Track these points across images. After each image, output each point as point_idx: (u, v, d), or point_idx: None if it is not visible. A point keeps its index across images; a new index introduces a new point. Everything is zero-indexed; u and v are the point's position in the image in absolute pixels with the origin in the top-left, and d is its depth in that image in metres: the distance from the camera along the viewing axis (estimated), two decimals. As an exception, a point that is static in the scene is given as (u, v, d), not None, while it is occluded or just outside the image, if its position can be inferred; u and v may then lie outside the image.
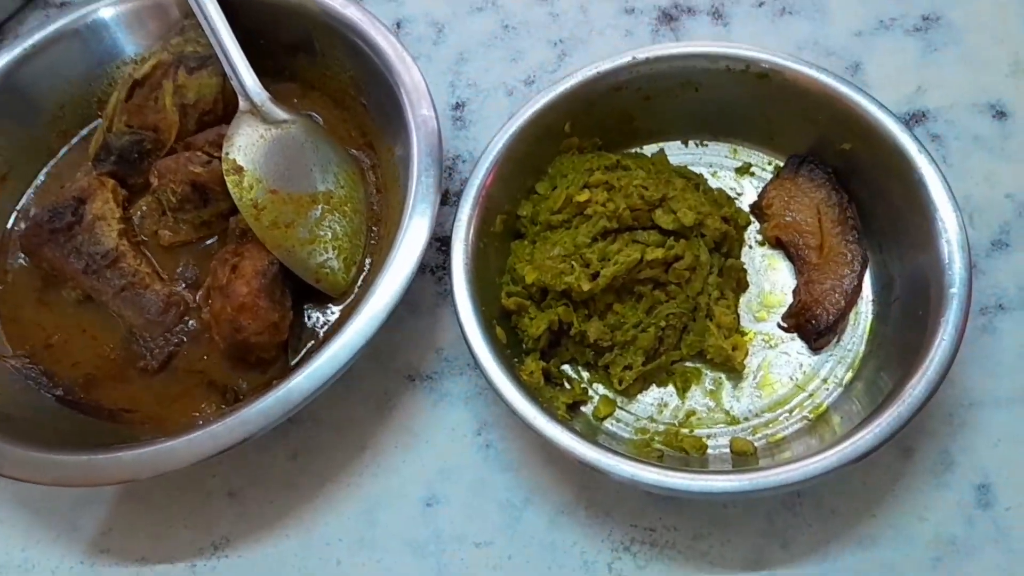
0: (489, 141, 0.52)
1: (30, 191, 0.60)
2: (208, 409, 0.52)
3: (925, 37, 0.62)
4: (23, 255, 0.57)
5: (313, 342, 0.53)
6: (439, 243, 0.57)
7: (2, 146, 0.58)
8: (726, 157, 0.57)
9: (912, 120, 0.59)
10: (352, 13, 0.57)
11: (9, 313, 0.56)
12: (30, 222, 0.57)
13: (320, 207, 0.54)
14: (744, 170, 0.57)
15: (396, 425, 0.52)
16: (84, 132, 0.62)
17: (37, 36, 0.58)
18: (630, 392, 0.50)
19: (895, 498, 0.47)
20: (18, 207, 0.60)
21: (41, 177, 0.61)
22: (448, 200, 0.58)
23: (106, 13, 0.60)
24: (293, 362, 0.52)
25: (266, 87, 0.58)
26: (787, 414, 0.49)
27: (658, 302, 0.50)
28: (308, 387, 0.46)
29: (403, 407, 0.53)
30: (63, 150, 0.62)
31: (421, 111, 0.53)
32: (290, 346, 0.53)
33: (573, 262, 0.50)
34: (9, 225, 0.59)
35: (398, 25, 0.67)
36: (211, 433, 0.45)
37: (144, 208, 0.58)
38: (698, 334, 0.50)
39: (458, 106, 0.63)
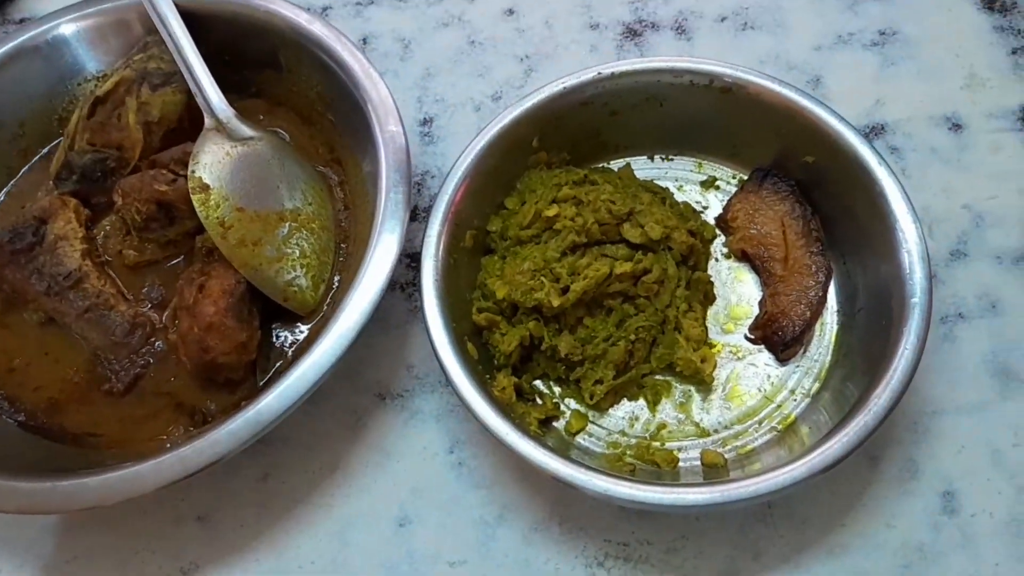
0: (458, 156, 0.52)
1: (-11, 212, 0.59)
2: (176, 431, 0.51)
3: (882, 51, 0.63)
4: (-18, 277, 0.56)
5: (282, 362, 0.53)
6: (408, 259, 0.57)
7: (-40, 165, 0.57)
8: (691, 171, 0.58)
9: (871, 133, 0.60)
10: (318, 29, 0.57)
11: (-32, 337, 0.55)
12: (-10, 243, 0.56)
13: (288, 225, 0.54)
14: (709, 184, 0.57)
15: (367, 444, 0.52)
16: (44, 151, 0.61)
17: (-5, 53, 0.58)
18: (601, 406, 0.51)
19: (863, 507, 0.48)
20: (-24, 229, 0.59)
21: (2, 196, 0.60)
22: (417, 216, 0.58)
23: (67, 29, 0.59)
24: (262, 382, 0.52)
25: (232, 103, 0.57)
26: (756, 425, 0.50)
27: (627, 315, 0.51)
28: (278, 407, 0.46)
29: (374, 426, 0.52)
30: (23, 169, 0.61)
31: (389, 127, 0.53)
32: (259, 366, 0.52)
33: (543, 277, 0.50)
34: (-33, 246, 0.58)
35: (364, 41, 0.66)
36: (179, 456, 0.45)
37: (108, 227, 0.58)
38: (667, 347, 0.51)
39: (426, 122, 0.63)
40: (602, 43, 0.65)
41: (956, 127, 0.59)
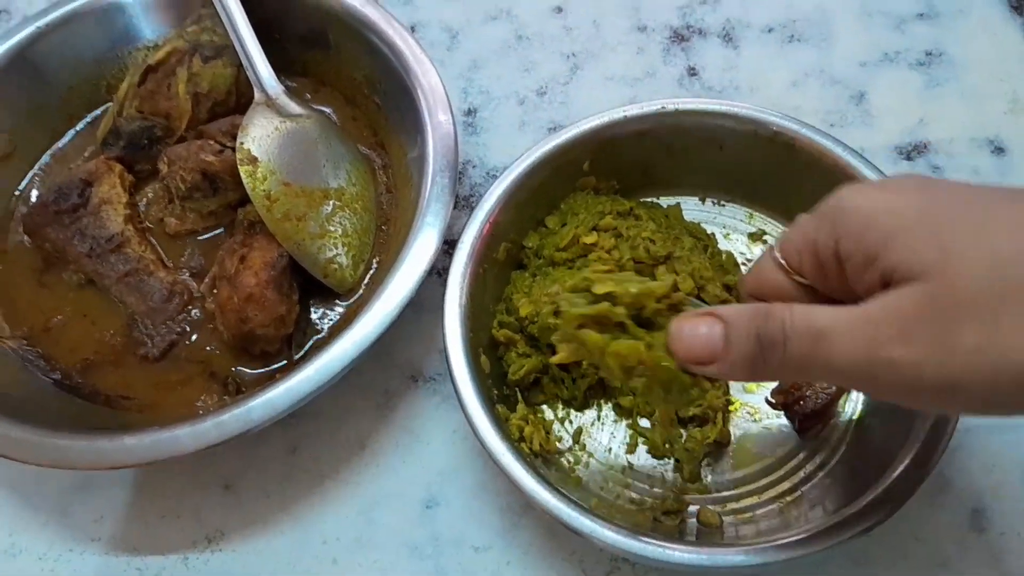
0: (505, 168, 0.52)
1: (33, 171, 0.60)
2: (208, 400, 0.51)
3: (928, 72, 0.63)
4: (24, 235, 0.56)
5: (316, 338, 0.53)
6: (447, 245, 0.57)
7: (9, 123, 0.58)
8: (741, 220, 0.56)
9: (914, 151, 0.60)
10: (370, 12, 0.58)
11: (7, 294, 0.55)
12: (36, 201, 0.56)
13: (331, 203, 0.54)
14: (757, 236, 0.56)
15: (397, 425, 0.52)
16: (90, 117, 0.62)
17: (53, 14, 0.58)
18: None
19: (891, 517, 0.48)
20: (20, 187, 0.59)
21: (46, 158, 0.60)
22: (457, 204, 0.59)
23: (126, -5, 0.60)
24: (296, 356, 0.52)
25: (279, 81, 0.58)
26: (759, 493, 0.48)
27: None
28: (315, 381, 0.46)
29: (405, 407, 0.52)
30: (69, 133, 0.61)
31: (438, 115, 0.54)
32: (294, 340, 0.52)
33: None
34: (10, 205, 0.58)
35: (412, 29, 0.67)
36: (216, 422, 0.45)
37: (150, 195, 0.58)
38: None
39: (470, 112, 0.63)
40: (649, 45, 0.65)
41: (999, 151, 0.60)
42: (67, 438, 0.45)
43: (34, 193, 0.59)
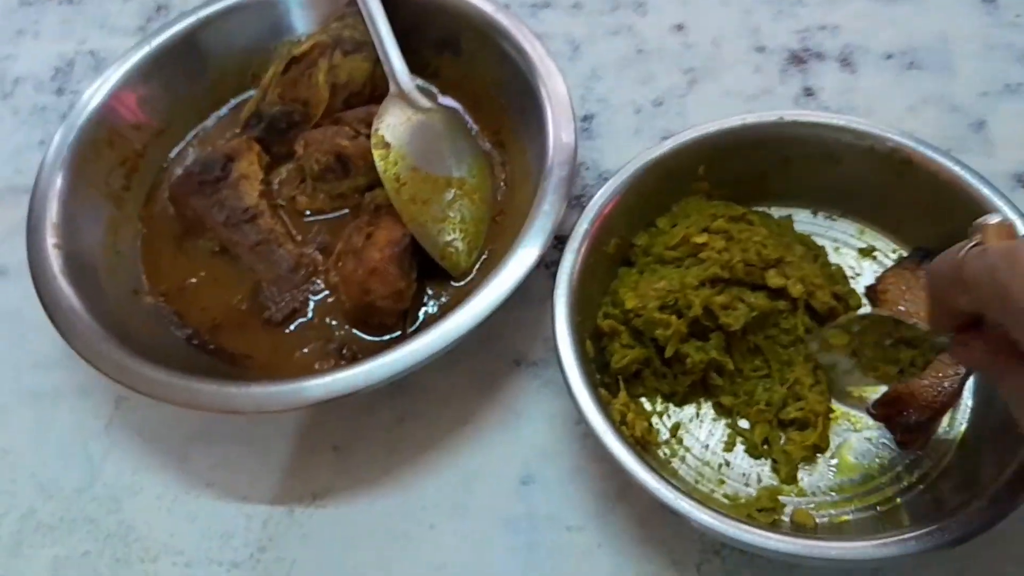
0: (620, 167, 0.54)
1: (179, 147, 0.65)
2: (325, 365, 0.54)
3: (1052, 106, 0.63)
4: (169, 203, 0.61)
5: (427, 316, 0.56)
6: (557, 241, 0.59)
7: (165, 103, 0.63)
8: (852, 236, 0.57)
9: (1031, 181, 0.59)
10: (503, 19, 0.61)
11: (150, 255, 0.60)
12: (182, 172, 0.61)
13: (453, 191, 0.57)
14: (867, 252, 0.56)
15: (499, 404, 0.54)
16: (234, 102, 0.66)
17: (216, 6, 0.64)
18: None
19: (989, 536, 0.46)
20: (167, 162, 0.64)
21: (190, 138, 0.65)
22: (569, 203, 0.60)
23: (283, -8, 0.65)
24: (410, 331, 0.55)
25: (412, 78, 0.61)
26: (856, 500, 0.48)
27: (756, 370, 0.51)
28: (425, 352, 0.48)
29: (507, 388, 0.54)
30: (213, 116, 0.66)
31: (559, 117, 0.56)
32: (409, 316, 0.55)
33: (672, 314, 0.50)
34: (158, 177, 0.63)
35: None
36: (335, 378, 0.47)
37: (283, 175, 0.62)
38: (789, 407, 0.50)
39: (587, 118, 0.66)
40: (766, 66, 0.67)
41: (1125, 186, 0.59)
42: (198, 382, 0.49)
43: (176, 169, 0.64)
